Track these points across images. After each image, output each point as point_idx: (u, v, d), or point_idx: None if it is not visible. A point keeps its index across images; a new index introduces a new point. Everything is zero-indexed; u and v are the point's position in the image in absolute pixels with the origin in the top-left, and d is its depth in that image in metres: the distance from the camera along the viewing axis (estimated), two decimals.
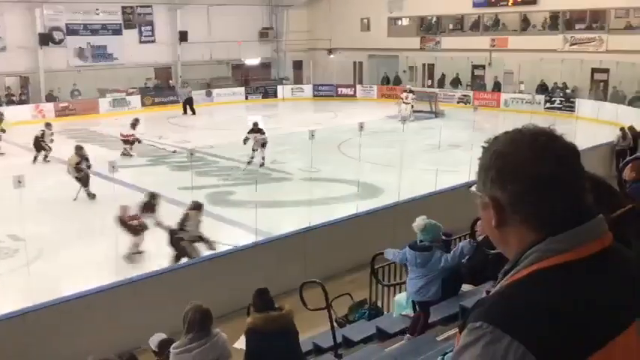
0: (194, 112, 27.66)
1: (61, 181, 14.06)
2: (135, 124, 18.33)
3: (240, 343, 5.44)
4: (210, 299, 5.71)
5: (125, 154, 18.17)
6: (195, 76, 31.40)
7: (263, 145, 16.61)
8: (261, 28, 34.97)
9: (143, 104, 28.97)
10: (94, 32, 29.13)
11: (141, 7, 30.52)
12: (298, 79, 35.33)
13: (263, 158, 16.70)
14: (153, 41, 31.04)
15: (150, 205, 10.07)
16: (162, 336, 5.19)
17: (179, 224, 9.42)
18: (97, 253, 10.01)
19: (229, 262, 8.94)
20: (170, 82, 31.41)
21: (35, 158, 17.37)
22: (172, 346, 4.52)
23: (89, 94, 27.94)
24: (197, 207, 9.66)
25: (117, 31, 29.86)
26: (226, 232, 11.78)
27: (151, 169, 17.13)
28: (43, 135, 17.41)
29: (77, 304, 7.49)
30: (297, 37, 34.07)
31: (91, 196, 13.50)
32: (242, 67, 33.80)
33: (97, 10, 29.00)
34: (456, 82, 30.27)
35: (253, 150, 16.54)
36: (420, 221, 5.90)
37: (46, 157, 17.44)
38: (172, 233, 9.42)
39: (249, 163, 16.58)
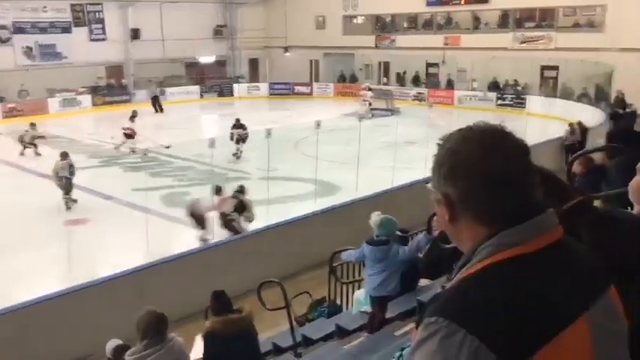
0: (162, 110, 27.64)
1: (10, 185, 13.60)
2: (134, 116, 18.38)
3: (198, 348, 5.35)
4: (165, 303, 5.60)
5: (132, 149, 18.17)
6: (148, 74, 30.82)
7: (244, 140, 17.35)
8: (215, 26, 34.62)
9: (94, 104, 28.32)
10: (43, 30, 28.28)
11: (91, 4, 29.78)
12: (254, 78, 35.15)
13: (240, 152, 17.40)
14: (104, 39, 30.33)
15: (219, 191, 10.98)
16: (118, 342, 5.07)
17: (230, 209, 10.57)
18: (45, 258, 9.70)
19: (185, 265, 8.80)
20: (122, 81, 30.78)
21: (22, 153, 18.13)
22: (127, 353, 4.40)
23: (38, 95, 27.12)
24: (242, 191, 10.83)
25: (66, 29, 29.07)
26: (183, 234, 11.60)
27: (104, 170, 16.74)
28: (23, 136, 18.21)
29: (27, 312, 7.24)
30: (252, 34, 33.88)
31: (71, 201, 12.86)
32: (196, 66, 33.40)
33: (44, 7, 28.15)
34: (416, 80, 30.56)
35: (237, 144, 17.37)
36: (375, 217, 5.99)
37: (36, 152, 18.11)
38: (224, 216, 10.50)
39: (238, 157, 17.09)
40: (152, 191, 12.60)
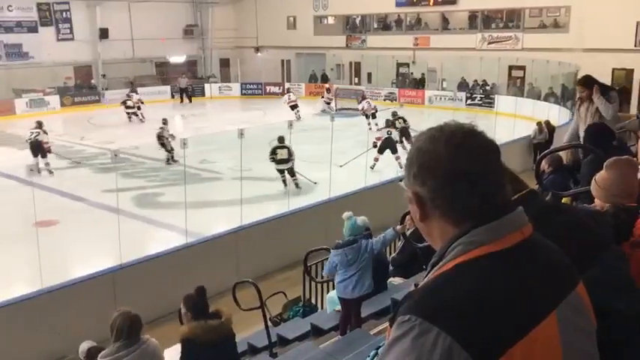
0: (190, 100, 28.72)
1: None
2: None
3: (173, 351, 5.32)
4: (139, 304, 5.57)
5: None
6: (117, 74, 30.42)
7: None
8: (185, 26, 34.30)
9: (62, 104, 27.82)
10: (8, 30, 27.68)
11: (57, 3, 29.22)
12: (225, 78, 34.93)
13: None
14: (71, 39, 29.81)
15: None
16: (91, 344, 5.03)
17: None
18: (15, 260, 9.53)
19: (159, 265, 8.76)
20: (92, 81, 30.31)
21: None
22: (100, 354, 4.35)
23: (4, 95, 26.51)
24: None
25: (32, 29, 28.48)
26: (156, 235, 11.52)
27: (73, 172, 16.48)
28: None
29: None
30: (223, 34, 33.66)
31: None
32: (166, 65, 33.05)
33: (10, 6, 27.55)
34: (404, 81, 30.49)
35: None
36: (345, 219, 6.08)
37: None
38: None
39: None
40: (123, 192, 12.45)
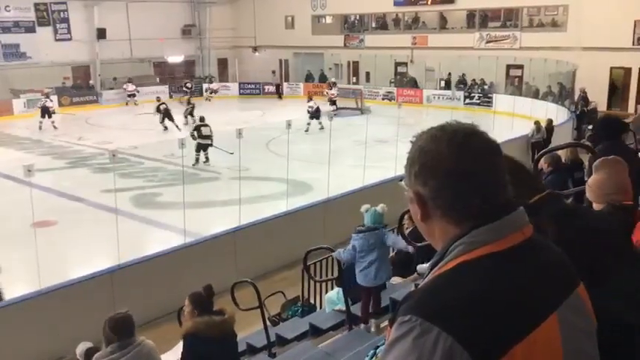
0: (280, 97, 29.60)
1: None
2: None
3: (171, 355, 5.31)
4: (136, 305, 5.57)
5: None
6: (115, 74, 30.38)
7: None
8: (183, 25, 34.26)
9: (60, 104, 27.72)
10: (6, 30, 27.62)
11: (55, 3, 29.17)
12: (223, 77, 34.90)
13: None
14: (69, 39, 29.76)
15: None
16: (88, 345, 5.01)
17: None
18: (13, 260, 9.50)
19: (157, 266, 8.74)
20: (90, 81, 30.27)
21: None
22: (94, 357, 4.33)
23: (2, 95, 26.47)
24: None
25: (30, 29, 28.42)
26: (154, 235, 11.50)
27: (71, 172, 16.46)
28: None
29: None
30: (221, 34, 33.63)
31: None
32: (165, 65, 33.01)
33: (7, 7, 27.49)
34: (412, 82, 30.23)
35: None
36: (363, 208, 6.11)
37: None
38: None
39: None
40: (122, 192, 12.43)
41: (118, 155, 14.35)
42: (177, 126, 21.44)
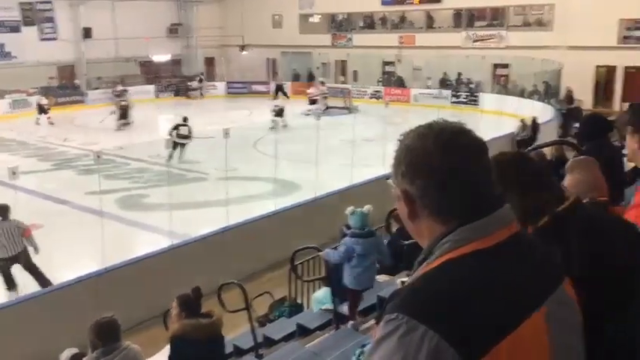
0: (287, 97, 28.42)
1: None
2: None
3: (161, 355, 5.26)
4: (123, 308, 5.51)
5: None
6: (101, 74, 30.16)
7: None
8: (169, 24, 34.10)
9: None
10: None
11: (40, 2, 28.88)
12: (210, 77, 34.78)
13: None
14: (55, 38, 29.47)
15: None
16: (74, 351, 4.95)
17: None
18: None
19: (144, 268, 8.66)
20: (75, 81, 30.03)
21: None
22: None
23: None
24: None
25: (15, 29, 28.09)
26: (140, 237, 11.41)
27: (56, 174, 16.30)
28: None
29: None
30: (208, 33, 33.48)
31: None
32: (151, 65, 32.84)
33: None
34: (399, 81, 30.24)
35: None
36: (348, 210, 6.02)
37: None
38: None
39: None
40: (107, 194, 12.33)
41: (102, 156, 14.24)
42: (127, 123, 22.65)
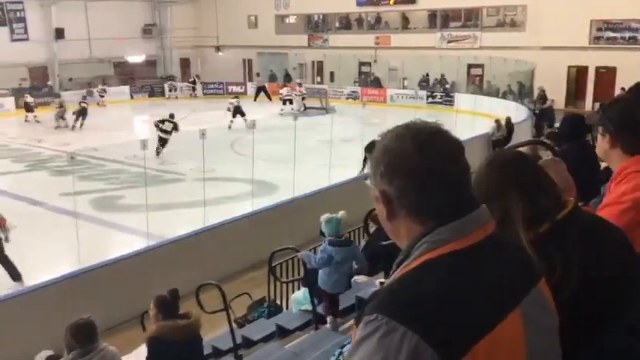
0: (269, 98, 28.74)
1: None
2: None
3: (132, 357, 5.22)
4: (100, 310, 5.46)
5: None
6: (74, 75, 29.75)
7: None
8: (144, 25, 33.79)
9: (18, 106, 26.99)
10: None
11: (11, 2, 28.41)
12: (186, 77, 34.53)
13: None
14: (26, 39, 29.04)
15: None
16: (48, 353, 4.88)
17: None
18: None
19: (120, 269, 8.57)
20: (48, 82, 29.55)
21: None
22: None
23: None
24: None
25: None
26: (116, 239, 11.29)
27: (29, 175, 16.03)
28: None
29: None
30: (183, 33, 33.26)
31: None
32: (125, 65, 32.46)
33: None
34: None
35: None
36: (323, 218, 6.05)
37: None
38: None
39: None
40: (82, 195, 12.17)
41: (77, 157, 14.07)
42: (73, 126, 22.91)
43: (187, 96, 31.38)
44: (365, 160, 5.58)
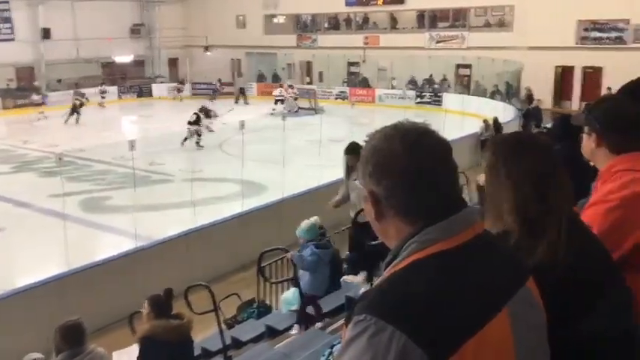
0: (246, 102, 28.56)
1: None
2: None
3: (124, 354, 5.19)
4: (88, 311, 5.43)
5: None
6: (62, 75, 29.50)
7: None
8: (132, 25, 33.59)
9: (5, 107, 26.79)
10: None
11: None
12: (174, 77, 34.37)
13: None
14: (12, 39, 28.73)
15: None
16: (37, 356, 4.84)
17: None
18: None
19: (108, 271, 8.53)
20: (35, 83, 29.32)
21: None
22: None
23: None
24: None
25: None
26: (104, 240, 11.22)
27: (17, 177, 15.90)
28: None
29: None
30: (171, 33, 33.11)
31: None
32: (113, 66, 32.27)
33: None
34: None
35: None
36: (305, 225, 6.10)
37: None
38: None
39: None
40: (70, 196, 12.09)
41: (64, 158, 13.97)
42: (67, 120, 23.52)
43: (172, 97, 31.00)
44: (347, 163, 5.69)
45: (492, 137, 1.60)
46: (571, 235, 1.43)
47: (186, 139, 18.48)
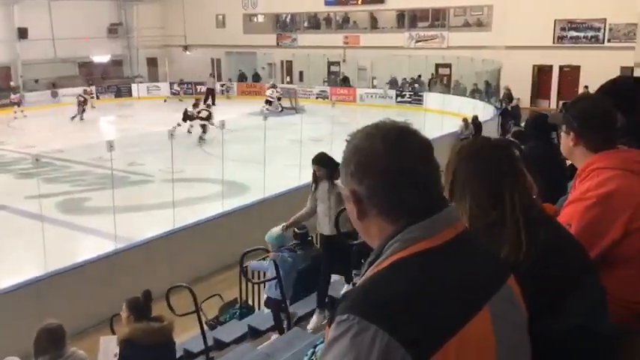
0: (214, 103, 27.33)
1: None
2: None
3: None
4: (67, 314, 5.36)
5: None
6: (38, 75, 29.09)
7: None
8: (109, 24, 33.24)
9: None
10: None
11: None
12: (153, 77, 34.08)
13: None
14: None
15: None
16: (15, 359, 4.77)
17: None
18: None
19: (87, 273, 8.43)
20: (11, 83, 28.85)
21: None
22: None
23: None
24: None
25: None
26: (83, 242, 11.09)
27: None
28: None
29: None
30: (149, 33, 32.82)
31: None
32: (91, 66, 31.89)
33: None
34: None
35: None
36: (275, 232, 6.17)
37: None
38: None
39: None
40: (47, 198, 11.92)
41: (41, 160, 13.77)
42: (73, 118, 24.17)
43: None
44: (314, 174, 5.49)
45: (453, 146, 1.61)
46: (534, 233, 1.44)
47: (201, 138, 19.11)
